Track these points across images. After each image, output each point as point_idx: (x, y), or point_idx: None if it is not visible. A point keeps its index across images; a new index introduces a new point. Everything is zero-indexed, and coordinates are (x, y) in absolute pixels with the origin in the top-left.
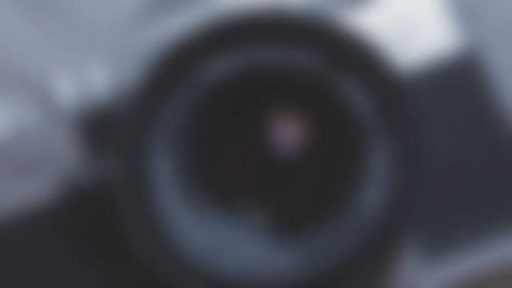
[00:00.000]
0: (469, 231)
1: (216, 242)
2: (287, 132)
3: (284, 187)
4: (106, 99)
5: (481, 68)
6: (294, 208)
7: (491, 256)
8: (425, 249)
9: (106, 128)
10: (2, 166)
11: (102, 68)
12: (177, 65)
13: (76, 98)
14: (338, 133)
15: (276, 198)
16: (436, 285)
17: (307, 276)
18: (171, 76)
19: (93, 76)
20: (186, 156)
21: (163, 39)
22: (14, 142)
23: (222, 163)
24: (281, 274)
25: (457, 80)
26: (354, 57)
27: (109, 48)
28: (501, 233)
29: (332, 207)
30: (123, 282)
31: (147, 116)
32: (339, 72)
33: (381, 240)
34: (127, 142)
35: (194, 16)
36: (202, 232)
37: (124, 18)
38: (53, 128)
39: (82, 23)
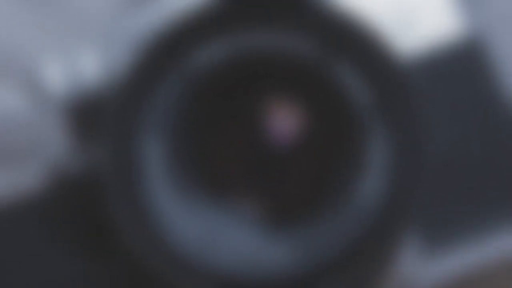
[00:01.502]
0: (469, 224)
1: (208, 233)
2: (282, 120)
3: (279, 177)
4: (95, 85)
5: (484, 55)
6: (289, 198)
7: (491, 249)
8: (425, 242)
9: (96, 116)
10: None
11: (92, 54)
12: (167, 51)
13: (65, 84)
14: (335, 122)
15: (270, 188)
16: (436, 278)
17: (302, 268)
18: (161, 62)
19: (82, 62)
20: (178, 145)
21: (153, 24)
22: (1, 129)
23: (215, 152)
24: (275, 266)
25: (460, 67)
26: (351, 43)
27: (98, 33)
28: (502, 226)
29: (328, 198)
30: (112, 273)
31: (137, 103)
32: (337, 58)
33: (378, 233)
34: (116, 130)
35: (185, 1)
36: (193, 223)
37: (114, 3)
38: (41, 115)
39: (71, 8)
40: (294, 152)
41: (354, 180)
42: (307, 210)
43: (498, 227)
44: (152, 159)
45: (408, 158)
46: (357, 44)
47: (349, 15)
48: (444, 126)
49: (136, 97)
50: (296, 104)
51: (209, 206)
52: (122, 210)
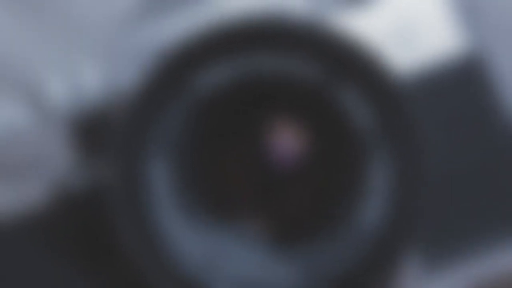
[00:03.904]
0: (472, 239)
1: (214, 253)
2: (286, 142)
3: (283, 198)
4: (99, 100)
5: (484, 71)
6: (292, 219)
7: (494, 263)
8: (428, 258)
9: (100, 131)
10: None
11: (96, 69)
12: (175, 71)
13: (69, 99)
14: (338, 143)
15: (274, 209)
16: None
17: None
18: (169, 82)
19: (86, 77)
20: (184, 164)
21: (159, 41)
22: (5, 144)
23: (220, 172)
24: (279, 285)
25: (460, 85)
26: (353, 66)
27: (103, 48)
28: (505, 241)
29: (332, 219)
30: None
31: (144, 122)
32: (339, 81)
33: (381, 253)
34: (123, 148)
35: (193, 20)
36: (199, 242)
37: (120, 18)
38: (45, 130)
39: (76, 22)
40: (297, 173)
41: (358, 200)
42: (311, 230)
43: (499, 242)
44: (158, 177)
45: (410, 180)
46: (358, 67)
47: (350, 37)
48: (444, 143)
49: (143, 116)
50: (300, 126)
51: (214, 226)
52: (127, 228)
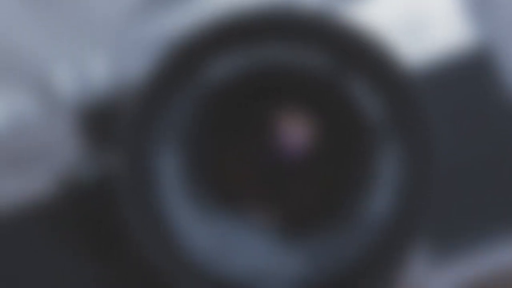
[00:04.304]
0: (478, 232)
1: (222, 244)
2: (295, 132)
3: (291, 188)
4: (107, 91)
5: (493, 64)
6: (301, 209)
7: (500, 257)
8: (434, 251)
9: (107, 121)
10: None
11: (103, 60)
12: (183, 62)
13: (76, 89)
14: (347, 134)
15: (282, 200)
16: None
17: (314, 279)
18: (177, 72)
19: (94, 68)
20: (192, 155)
21: (167, 33)
22: (12, 134)
23: (228, 163)
24: (287, 276)
25: (469, 78)
26: (361, 56)
27: (111, 39)
28: (510, 237)
29: (340, 209)
30: (124, 280)
31: (152, 112)
32: (348, 71)
33: (389, 244)
34: (131, 138)
35: (200, 12)
36: (207, 232)
37: (128, 9)
38: (52, 120)
39: (84, 13)
40: (306, 163)
41: (366, 191)
42: (320, 221)
43: (507, 235)
44: (167, 167)
45: (419, 172)
46: (368, 59)
47: (358, 28)
48: (453, 135)
49: (152, 106)
50: (309, 117)
51: (222, 216)
52: (135, 218)
